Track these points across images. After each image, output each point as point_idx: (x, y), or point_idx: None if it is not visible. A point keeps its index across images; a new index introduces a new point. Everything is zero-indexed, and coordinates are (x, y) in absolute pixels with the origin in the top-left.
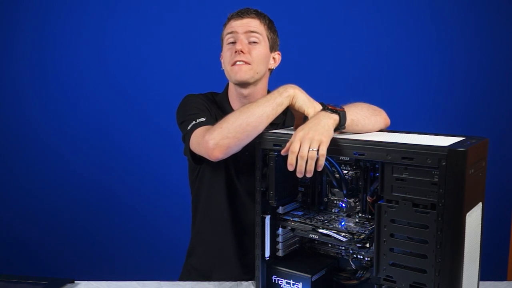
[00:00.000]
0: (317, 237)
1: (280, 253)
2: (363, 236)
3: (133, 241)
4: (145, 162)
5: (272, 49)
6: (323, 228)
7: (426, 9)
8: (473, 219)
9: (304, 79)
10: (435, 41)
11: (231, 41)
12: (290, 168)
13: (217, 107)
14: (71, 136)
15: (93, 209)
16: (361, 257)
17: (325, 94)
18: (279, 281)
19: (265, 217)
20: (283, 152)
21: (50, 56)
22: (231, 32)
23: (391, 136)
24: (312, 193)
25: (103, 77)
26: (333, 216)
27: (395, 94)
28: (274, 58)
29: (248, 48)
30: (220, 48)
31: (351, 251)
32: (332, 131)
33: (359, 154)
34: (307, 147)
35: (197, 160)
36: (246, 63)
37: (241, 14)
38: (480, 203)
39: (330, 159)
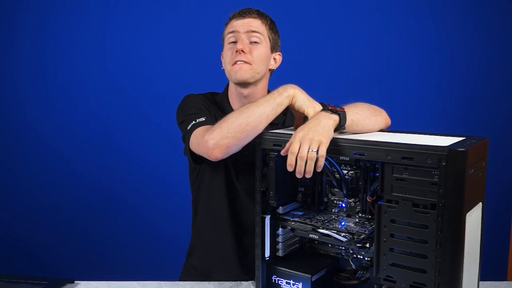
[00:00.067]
0: (317, 237)
1: (280, 253)
2: (363, 236)
3: (133, 241)
4: (145, 162)
5: (273, 49)
6: (323, 228)
7: (426, 9)
8: (473, 219)
9: (304, 79)
10: (435, 41)
11: (232, 41)
12: (290, 168)
13: (217, 107)
14: (71, 136)
15: (93, 209)
16: (361, 257)
17: (325, 94)
18: (279, 281)
19: (265, 217)
20: (282, 153)
21: (50, 56)
22: (232, 32)
23: (391, 136)
24: (312, 193)
25: (103, 77)
26: (333, 216)
27: (395, 94)
28: (274, 58)
29: (249, 48)
30: (221, 48)
31: (351, 251)
32: (332, 132)
33: (359, 154)
34: (307, 148)
35: (197, 160)
36: (246, 62)
37: (243, 14)
38: (480, 203)
39: (330, 159)
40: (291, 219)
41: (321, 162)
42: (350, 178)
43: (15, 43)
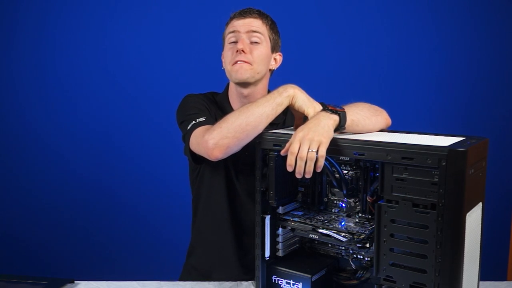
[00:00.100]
0: (317, 237)
1: (280, 253)
2: (363, 236)
3: (133, 241)
4: (145, 162)
5: (274, 50)
6: (323, 228)
7: (426, 9)
8: (473, 219)
9: (304, 79)
10: (435, 41)
11: (232, 41)
12: (289, 168)
13: (217, 107)
14: (71, 136)
15: (93, 209)
16: (361, 257)
17: (325, 94)
18: (279, 281)
19: (265, 217)
20: (282, 153)
21: (50, 56)
22: (233, 32)
23: (391, 136)
24: (312, 193)
25: (103, 77)
26: (333, 216)
27: (395, 94)
28: (275, 59)
29: (250, 48)
30: (221, 48)
31: (351, 251)
32: (332, 132)
33: (359, 154)
34: (307, 148)
35: (197, 160)
36: (247, 62)
37: (244, 13)
38: (480, 203)
39: (330, 159)
40: (291, 219)
41: (321, 163)
42: (350, 178)
43: (15, 43)
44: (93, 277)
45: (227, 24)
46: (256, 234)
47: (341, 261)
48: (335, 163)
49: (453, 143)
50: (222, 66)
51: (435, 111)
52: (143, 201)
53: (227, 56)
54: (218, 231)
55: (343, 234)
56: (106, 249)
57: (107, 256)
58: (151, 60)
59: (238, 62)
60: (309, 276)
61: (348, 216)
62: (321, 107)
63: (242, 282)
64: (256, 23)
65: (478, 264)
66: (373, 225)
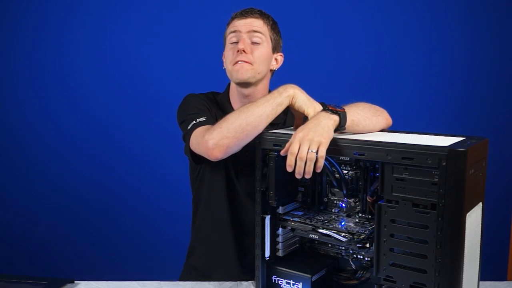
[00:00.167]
0: (317, 237)
1: (280, 253)
2: (363, 236)
3: (133, 241)
4: (145, 162)
5: (275, 50)
6: (323, 228)
7: (426, 9)
8: (473, 219)
9: (304, 79)
10: (435, 41)
11: (233, 41)
12: (289, 169)
13: (218, 107)
14: (71, 136)
15: (93, 209)
16: (361, 257)
17: (325, 94)
18: (279, 281)
19: (265, 217)
20: (282, 153)
21: (50, 56)
22: (234, 31)
23: (391, 136)
24: (312, 193)
25: (103, 77)
26: (333, 216)
27: (395, 94)
28: (276, 59)
29: (251, 48)
30: (222, 47)
31: (351, 251)
32: (332, 132)
33: (359, 154)
34: (306, 149)
35: (197, 159)
36: (247, 62)
37: (245, 13)
38: (480, 203)
39: (330, 159)
40: (291, 219)
41: (321, 163)
42: (350, 178)
43: (15, 43)
44: (93, 277)
45: (228, 24)
46: (256, 234)
47: (341, 261)
48: (335, 163)
49: (453, 143)
50: (223, 66)
51: (435, 111)
52: (143, 201)
53: (228, 56)
54: (218, 231)
55: (343, 234)
56: (106, 249)
57: (107, 256)
58: (151, 60)
59: (239, 62)
60: (309, 276)
61: (348, 216)
62: (321, 107)
63: (242, 282)
64: (257, 23)
65: (478, 264)
66: (373, 225)
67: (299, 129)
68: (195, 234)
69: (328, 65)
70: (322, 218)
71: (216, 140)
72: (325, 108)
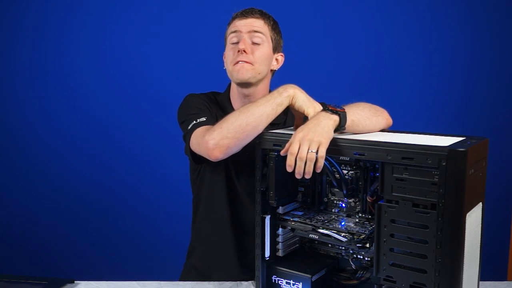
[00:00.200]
0: (317, 237)
1: (280, 253)
2: (363, 236)
3: (133, 241)
4: (145, 162)
5: (275, 50)
6: (323, 228)
7: (426, 9)
8: (473, 219)
9: (304, 79)
10: (435, 41)
11: (234, 41)
12: (289, 169)
13: (218, 107)
14: (71, 136)
15: (93, 209)
16: (361, 257)
17: (325, 94)
18: (279, 281)
19: (265, 217)
20: (282, 153)
21: (49, 56)
22: (234, 31)
23: (391, 136)
24: (312, 193)
25: (103, 77)
26: (333, 216)
27: (395, 94)
28: (276, 59)
29: (251, 48)
30: (223, 47)
31: (351, 251)
32: (332, 132)
33: (359, 154)
34: (306, 149)
35: (198, 159)
36: (248, 63)
37: (246, 13)
38: (480, 203)
39: (330, 159)
40: (291, 219)
41: (321, 163)
42: (350, 178)
43: (15, 43)
44: (93, 277)
45: (229, 24)
46: (256, 234)
47: (341, 261)
48: (335, 163)
49: (453, 143)
50: (223, 66)
51: (435, 111)
52: (143, 201)
53: (229, 56)
54: (218, 231)
55: (343, 234)
56: (106, 249)
57: (107, 256)
58: (151, 60)
59: (240, 62)
60: (309, 276)
61: (348, 216)
62: (321, 107)
63: (242, 282)
64: (258, 23)
65: (478, 264)
66: (373, 225)
67: (299, 129)
68: (195, 234)
69: (328, 65)
70: (322, 218)
71: (216, 140)
72: (325, 108)
